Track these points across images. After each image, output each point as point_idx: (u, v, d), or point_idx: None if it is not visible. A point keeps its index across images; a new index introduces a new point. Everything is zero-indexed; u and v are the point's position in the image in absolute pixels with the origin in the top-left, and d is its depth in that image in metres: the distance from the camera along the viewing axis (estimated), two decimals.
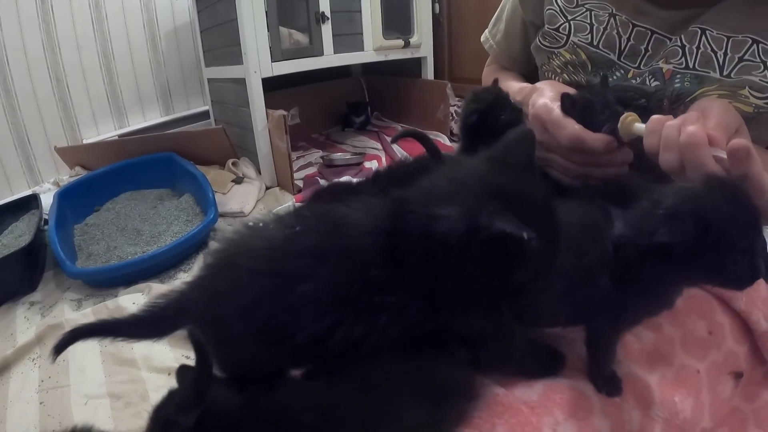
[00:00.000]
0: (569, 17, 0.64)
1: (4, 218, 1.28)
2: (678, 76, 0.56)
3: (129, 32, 1.58)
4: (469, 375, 0.39)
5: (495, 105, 0.59)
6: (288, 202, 1.39)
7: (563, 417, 0.38)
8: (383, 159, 1.68)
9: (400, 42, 1.71)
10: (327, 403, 0.35)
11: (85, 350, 0.88)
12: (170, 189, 1.44)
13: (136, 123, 1.67)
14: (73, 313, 0.98)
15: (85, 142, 1.54)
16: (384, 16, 1.62)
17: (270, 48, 1.37)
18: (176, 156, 1.42)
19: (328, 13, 1.46)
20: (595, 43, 0.62)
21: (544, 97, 0.53)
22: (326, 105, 2.01)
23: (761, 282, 0.52)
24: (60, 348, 0.39)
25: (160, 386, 0.79)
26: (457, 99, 1.91)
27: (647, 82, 0.58)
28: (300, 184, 1.49)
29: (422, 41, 1.79)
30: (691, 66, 0.55)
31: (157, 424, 0.36)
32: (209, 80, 1.64)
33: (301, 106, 1.73)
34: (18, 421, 0.76)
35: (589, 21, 0.62)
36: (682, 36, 0.55)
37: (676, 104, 0.56)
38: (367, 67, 2.01)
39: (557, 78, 0.67)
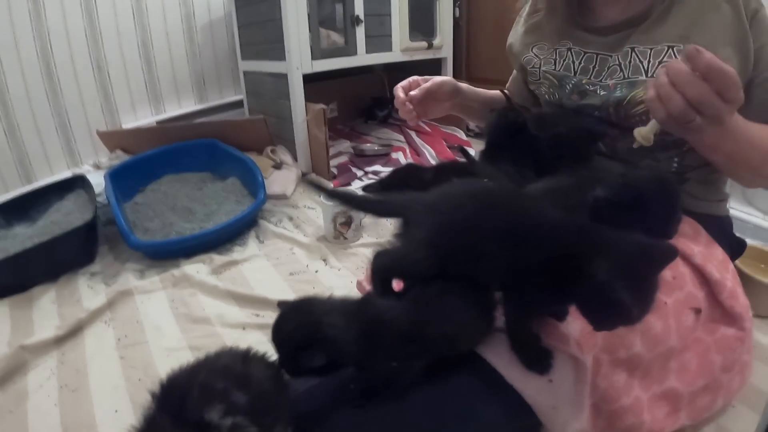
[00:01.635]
0: (540, 57, 0.81)
1: (50, 197, 1.35)
2: (618, 86, 0.71)
3: (167, 24, 1.66)
4: None
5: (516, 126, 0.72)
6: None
7: None
8: (407, 151, 1.79)
9: (424, 44, 1.82)
10: None
11: (157, 312, 0.98)
12: (211, 173, 1.53)
13: (172, 110, 1.75)
14: (140, 281, 1.07)
15: (123, 126, 1.61)
16: (410, 20, 1.72)
17: (311, 47, 1.47)
18: (219, 142, 1.51)
19: (362, 17, 1.56)
20: (557, 69, 0.78)
21: None
22: (350, 99, 2.10)
23: (717, 247, 0.67)
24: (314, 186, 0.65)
25: (236, 339, 0.89)
26: None
27: (598, 91, 0.73)
28: (335, 171, 1.59)
29: (443, 43, 1.90)
30: (626, 76, 0.71)
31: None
32: (245, 72, 1.73)
33: (327, 99, 1.82)
34: (101, 373, 0.84)
35: (554, 57, 0.79)
36: (619, 55, 0.71)
37: (617, 108, 0.71)
38: (389, 64, 2.11)
39: (546, 90, 0.84)
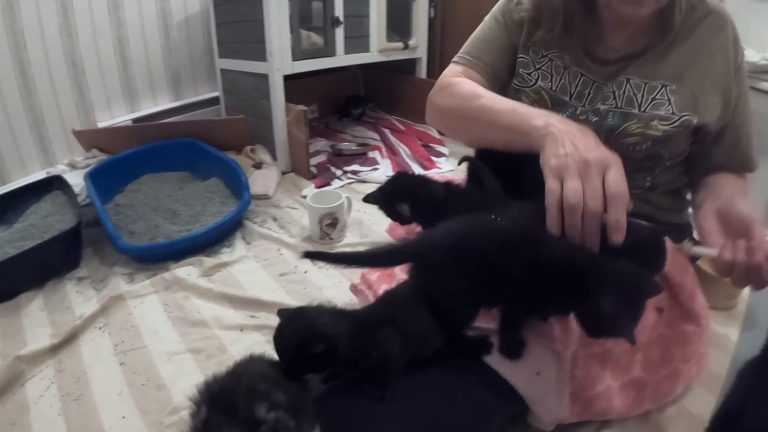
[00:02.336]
0: (537, 66, 0.83)
1: (26, 199, 1.31)
2: (610, 113, 0.76)
3: (143, 20, 1.63)
4: None
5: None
6: (307, 187, 1.52)
7: None
8: (383, 150, 1.84)
9: (400, 44, 1.86)
10: None
11: (152, 316, 0.99)
12: (191, 172, 1.53)
13: (147, 107, 1.72)
14: (131, 285, 1.07)
15: (99, 125, 1.58)
16: (387, 21, 1.76)
17: (292, 48, 1.48)
18: (199, 142, 1.51)
19: (342, 18, 1.59)
20: (554, 89, 0.82)
21: (618, 162, 0.59)
22: (325, 96, 2.12)
23: (678, 254, 0.73)
24: (309, 256, 0.61)
25: (234, 340, 0.92)
26: None
27: (589, 118, 0.78)
28: (314, 170, 1.62)
29: (419, 44, 1.95)
30: (619, 105, 0.76)
31: None
32: (222, 70, 1.72)
33: (303, 95, 1.84)
34: (103, 380, 0.84)
35: (550, 71, 0.82)
36: (614, 84, 0.76)
37: (608, 135, 0.76)
38: (364, 63, 2.15)
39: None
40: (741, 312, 1.02)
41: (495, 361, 0.62)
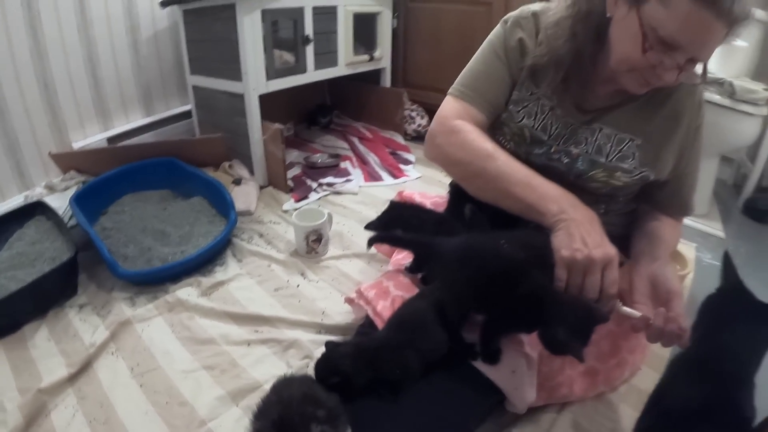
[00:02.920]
0: (524, 105, 0.90)
1: (8, 226, 1.32)
2: (580, 157, 0.87)
3: (113, 38, 1.63)
4: None
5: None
6: (286, 201, 1.61)
7: None
8: (354, 160, 1.94)
9: (366, 57, 1.96)
10: None
11: (161, 337, 1.06)
12: (170, 190, 1.58)
13: (120, 125, 1.73)
14: (135, 309, 1.13)
15: (73, 144, 1.59)
16: (354, 35, 1.85)
17: (266, 68, 1.55)
18: (178, 161, 1.55)
19: (311, 36, 1.66)
20: (535, 127, 0.90)
21: (612, 248, 0.70)
22: (293, 105, 2.19)
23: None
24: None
25: (243, 354, 1.01)
26: (410, 101, 2.22)
27: (562, 158, 0.89)
28: (291, 184, 1.70)
29: (383, 54, 2.05)
30: (589, 152, 0.87)
31: None
32: (195, 87, 1.75)
33: (272, 107, 1.90)
34: (126, 402, 0.91)
35: (536, 110, 0.89)
36: (588, 130, 0.87)
37: (577, 178, 0.88)
38: None
39: (506, 141, 0.93)
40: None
41: (479, 364, 0.77)
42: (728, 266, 0.75)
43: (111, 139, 1.66)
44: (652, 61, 0.71)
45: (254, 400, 0.88)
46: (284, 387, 0.66)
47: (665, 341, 0.69)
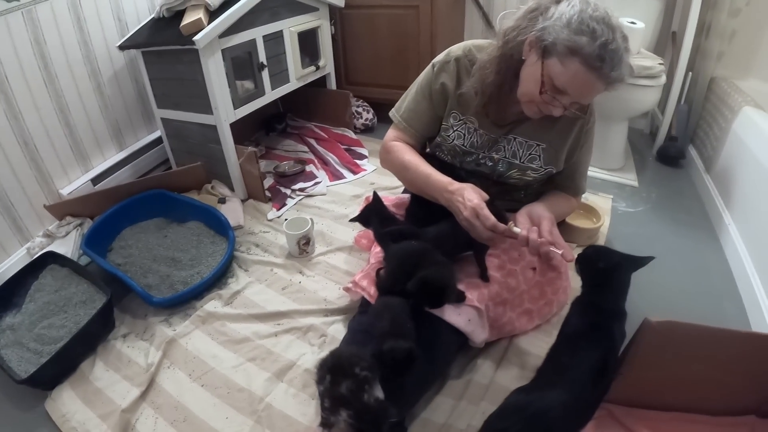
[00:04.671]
0: (454, 129, 1.22)
1: (25, 280, 1.43)
2: (500, 161, 1.20)
3: (78, 85, 1.74)
4: None
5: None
6: (269, 211, 1.85)
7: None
8: (316, 162, 2.19)
9: (313, 68, 2.17)
10: None
11: (205, 345, 1.29)
12: (163, 217, 1.76)
13: (98, 163, 1.86)
14: (175, 328, 1.34)
15: (61, 191, 1.72)
16: (300, 51, 2.05)
17: (232, 99, 1.74)
18: (167, 191, 1.75)
19: (265, 62, 1.86)
20: (465, 144, 1.22)
21: (476, 198, 1.01)
22: (252, 119, 2.35)
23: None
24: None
25: (275, 344, 1.28)
26: (355, 98, 2.46)
27: (487, 162, 1.21)
28: (269, 194, 1.94)
29: (327, 62, 2.27)
30: (507, 156, 1.19)
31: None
32: (164, 119, 1.90)
33: (234, 124, 2.08)
34: (196, 401, 1.12)
35: (464, 132, 1.21)
36: (504, 140, 1.19)
37: (499, 177, 1.21)
38: None
39: (444, 156, 1.26)
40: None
41: (448, 316, 1.07)
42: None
43: (94, 179, 1.80)
44: (546, 100, 1.01)
45: (294, 374, 1.19)
46: (336, 350, 0.96)
47: (542, 254, 1.00)
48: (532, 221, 1.07)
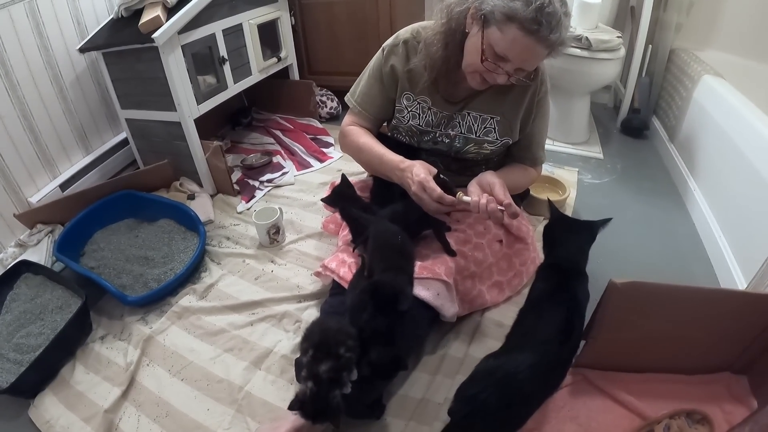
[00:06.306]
0: (409, 110, 1.25)
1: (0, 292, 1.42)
2: (457, 137, 1.23)
3: (40, 91, 1.72)
4: None
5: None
6: (238, 204, 1.87)
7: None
8: (283, 153, 2.19)
9: (275, 59, 2.17)
10: None
11: (182, 340, 1.30)
12: (133, 218, 1.76)
13: (65, 169, 1.85)
14: (151, 326, 1.34)
15: (29, 200, 1.71)
16: (260, 43, 2.05)
17: (195, 95, 1.75)
18: (135, 191, 1.75)
19: (226, 56, 1.86)
20: (420, 124, 1.25)
21: (423, 173, 1.05)
22: (217, 113, 2.35)
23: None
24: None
25: (250, 333, 1.30)
26: (318, 88, 2.47)
27: (443, 140, 1.24)
28: (237, 188, 1.94)
29: (288, 53, 2.27)
30: (462, 132, 1.22)
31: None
32: (128, 120, 1.89)
33: (198, 120, 2.08)
34: (176, 395, 1.13)
35: (419, 112, 1.23)
36: (459, 116, 1.22)
37: (456, 153, 1.24)
38: None
39: (402, 137, 1.30)
40: None
41: (416, 291, 1.08)
42: (552, 206, 1.15)
43: (62, 185, 1.80)
44: (489, 68, 1.04)
45: (271, 361, 1.21)
46: (325, 321, 0.96)
47: (493, 218, 1.03)
48: (483, 189, 1.10)
